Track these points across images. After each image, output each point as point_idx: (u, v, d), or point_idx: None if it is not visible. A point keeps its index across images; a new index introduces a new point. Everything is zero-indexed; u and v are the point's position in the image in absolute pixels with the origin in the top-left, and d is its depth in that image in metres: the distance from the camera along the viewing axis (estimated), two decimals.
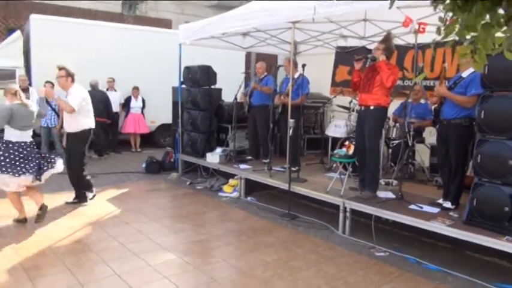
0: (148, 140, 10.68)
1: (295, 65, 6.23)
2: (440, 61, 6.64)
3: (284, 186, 5.39)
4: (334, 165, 6.25)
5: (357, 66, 4.94)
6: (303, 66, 5.72)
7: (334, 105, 7.45)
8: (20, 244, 4.18)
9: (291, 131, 5.31)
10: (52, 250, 4.06)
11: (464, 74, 4.23)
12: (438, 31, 1.62)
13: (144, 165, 7.92)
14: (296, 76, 6.20)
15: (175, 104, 8.20)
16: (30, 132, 4.72)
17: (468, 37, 1.43)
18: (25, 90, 8.47)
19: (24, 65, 9.34)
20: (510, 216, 3.50)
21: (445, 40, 1.64)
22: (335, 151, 5.12)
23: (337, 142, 6.47)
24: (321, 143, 7.44)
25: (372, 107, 4.78)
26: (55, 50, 8.84)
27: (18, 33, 9.58)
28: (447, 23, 1.54)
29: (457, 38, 1.57)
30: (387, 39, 4.91)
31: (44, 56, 8.82)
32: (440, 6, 1.41)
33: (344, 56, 8.00)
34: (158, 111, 10.35)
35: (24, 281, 3.41)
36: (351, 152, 4.85)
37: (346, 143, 4.92)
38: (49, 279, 3.47)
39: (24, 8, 12.67)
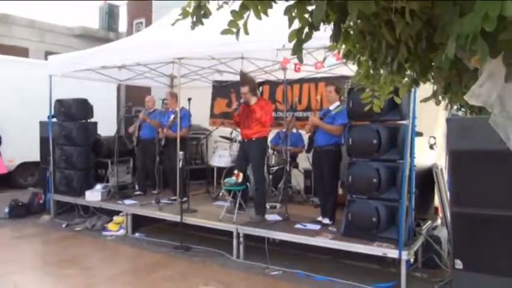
0: (6, 180, 9.41)
1: (175, 97, 6.41)
2: (306, 95, 7.58)
3: (176, 218, 5.41)
4: (221, 193, 6.51)
5: (233, 110, 5.38)
6: (189, 100, 5.92)
7: (214, 136, 7.78)
8: None
9: (180, 163, 5.42)
10: None
11: (332, 107, 4.99)
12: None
13: (6, 209, 6.98)
14: (178, 109, 6.37)
15: (44, 140, 7.50)
16: None
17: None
18: None
19: None
20: (377, 224, 4.20)
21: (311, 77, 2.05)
22: (225, 180, 5.38)
23: (221, 171, 6.77)
24: (204, 173, 7.65)
25: (254, 138, 5.24)
26: None
27: None
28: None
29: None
30: (246, 79, 5.37)
31: None
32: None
33: (221, 89, 8.48)
34: (18, 148, 9.25)
35: None
36: (240, 180, 5.17)
37: (235, 171, 5.23)
38: None
39: None
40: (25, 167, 9.68)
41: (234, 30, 1.17)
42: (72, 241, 5.75)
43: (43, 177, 7.63)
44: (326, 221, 4.97)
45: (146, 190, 6.82)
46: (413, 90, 3.75)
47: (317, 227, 4.85)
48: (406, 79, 1.54)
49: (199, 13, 1.19)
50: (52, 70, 6.87)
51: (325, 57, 3.32)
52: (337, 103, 4.98)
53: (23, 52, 13.62)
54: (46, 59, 7.63)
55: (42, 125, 7.61)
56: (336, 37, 1.21)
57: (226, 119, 8.09)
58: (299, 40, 1.14)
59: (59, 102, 7.06)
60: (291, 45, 1.20)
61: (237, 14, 1.12)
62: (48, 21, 15.30)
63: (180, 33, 5.45)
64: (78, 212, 6.80)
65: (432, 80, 1.53)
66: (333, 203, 5.02)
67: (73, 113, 6.93)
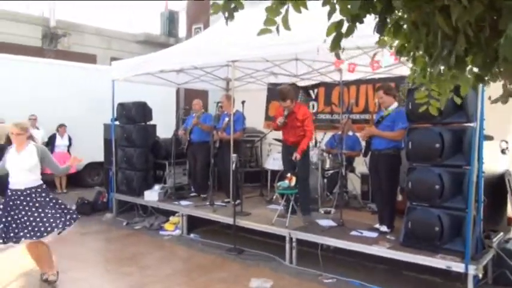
0: (75, 179, 10.06)
1: (230, 100, 6.45)
2: (364, 96, 7.31)
3: (229, 220, 5.43)
4: (275, 197, 6.45)
5: (280, 124, 5.44)
6: (242, 102, 5.93)
7: (268, 139, 7.74)
8: None
9: (233, 165, 5.43)
10: None
11: (383, 112, 4.73)
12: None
13: (74, 206, 7.42)
14: (232, 112, 6.42)
15: (107, 142, 7.92)
16: None
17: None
18: None
19: None
20: (440, 235, 3.90)
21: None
22: (278, 184, 5.31)
23: (275, 174, 6.71)
24: (258, 176, 7.64)
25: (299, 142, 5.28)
26: None
27: None
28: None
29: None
30: (285, 94, 5.36)
31: None
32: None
33: (276, 92, 8.42)
34: (86, 149, 9.83)
35: None
36: (293, 183, 5.08)
37: (288, 175, 5.14)
38: None
39: None
40: (92, 167, 10.28)
41: (273, 28, 1.09)
42: (132, 239, 5.98)
43: (107, 177, 8.03)
44: (384, 228, 4.72)
45: (201, 192, 6.92)
46: (480, 88, 3.44)
47: (374, 234, 4.63)
48: (468, 75, 1.34)
49: (230, 7, 1.11)
50: (115, 75, 7.22)
51: (375, 53, 3.10)
52: (394, 105, 4.72)
53: (91, 59, 14.53)
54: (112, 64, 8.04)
55: (106, 127, 8.03)
56: (379, 28, 1.08)
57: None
58: (338, 34, 1.02)
59: (121, 105, 7.40)
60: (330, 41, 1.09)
61: (272, 10, 1.03)
62: (115, 28, 16.21)
63: (235, 36, 5.50)
64: (137, 211, 7.07)
65: (500, 76, 1.33)
66: (390, 210, 4.76)
67: (133, 116, 7.24)
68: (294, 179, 5.08)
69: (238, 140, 6.23)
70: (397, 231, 4.49)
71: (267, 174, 7.13)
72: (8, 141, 7.83)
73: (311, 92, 8.27)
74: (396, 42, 1.32)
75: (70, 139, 9.69)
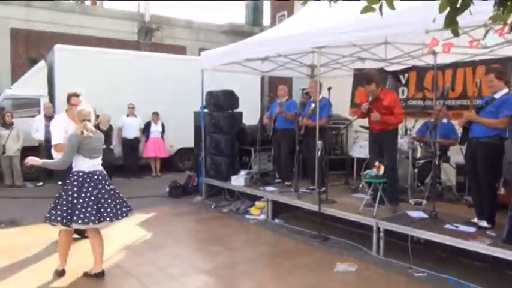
0: (168, 164, 10.80)
1: (319, 87, 6.37)
2: (461, 81, 6.75)
3: (314, 207, 5.43)
4: (361, 185, 6.29)
5: (365, 110, 5.35)
6: (329, 89, 5.84)
7: (355, 126, 7.54)
8: (68, 266, 4.17)
9: (319, 152, 5.40)
10: (92, 276, 4.09)
11: (497, 96, 4.30)
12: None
13: (167, 189, 8.01)
14: (319, 99, 6.33)
15: (197, 128, 8.35)
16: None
17: None
18: (50, 117, 8.71)
19: (48, 93, 9.59)
20: None
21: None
22: (365, 172, 5.17)
23: (361, 163, 6.53)
24: (343, 164, 7.49)
25: (387, 130, 5.20)
26: (77, 78, 9.07)
27: (42, 63, 9.88)
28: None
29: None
30: (371, 77, 5.24)
31: (67, 84, 9.05)
32: None
33: (362, 78, 8.14)
34: (177, 135, 10.52)
35: None
36: (381, 172, 4.90)
37: (376, 163, 4.97)
38: None
39: (44, 39, 13.08)
40: (183, 153, 10.97)
41: (376, 6, 1.04)
42: (220, 222, 6.27)
43: (196, 162, 8.49)
44: (483, 223, 4.35)
45: (285, 178, 6.99)
46: None
47: (471, 229, 4.29)
48: None
49: None
50: (204, 65, 7.54)
51: (487, 30, 2.81)
52: (505, 90, 4.27)
53: (181, 50, 15.34)
54: (200, 55, 8.41)
55: (196, 114, 8.48)
56: (502, 2, 0.97)
57: None
58: (453, 9, 0.94)
59: (210, 94, 7.74)
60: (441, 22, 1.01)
61: None
62: (203, 20, 16.89)
63: (320, 22, 5.41)
64: (224, 195, 7.39)
65: None
66: (491, 203, 4.35)
67: (221, 104, 7.53)
68: (382, 167, 4.90)
69: (324, 127, 6.18)
70: (499, 227, 4.12)
71: (352, 162, 6.97)
72: (109, 129, 8.63)
73: (401, 77, 7.85)
74: None
75: (163, 126, 10.40)
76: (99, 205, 3.85)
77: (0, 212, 6.54)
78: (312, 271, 4.26)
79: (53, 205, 3.86)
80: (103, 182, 3.97)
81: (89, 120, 3.98)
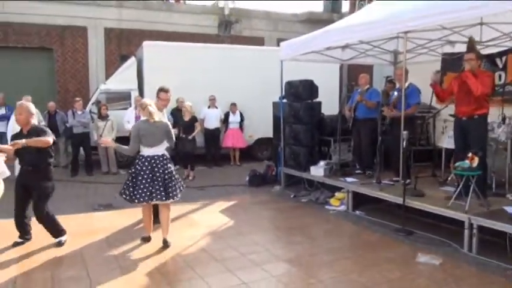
0: (247, 153, 11.06)
1: (406, 74, 6.07)
2: None
3: (398, 200, 5.21)
4: (450, 178, 5.90)
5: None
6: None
7: (443, 114, 7.06)
8: (153, 251, 4.55)
9: (404, 143, 5.15)
10: (181, 258, 4.37)
11: None
12: None
13: (247, 178, 8.21)
14: (406, 86, 6.03)
15: (276, 119, 8.43)
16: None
17: None
18: None
19: (138, 87, 10.30)
20: None
21: None
22: (456, 164, 4.83)
23: (450, 154, 6.12)
24: (429, 155, 7.08)
25: (475, 116, 4.88)
26: (164, 72, 9.63)
27: (132, 59, 10.63)
28: None
29: None
30: (474, 47, 4.98)
31: (154, 78, 9.67)
32: None
33: (452, 62, 7.57)
34: (256, 125, 10.72)
35: (164, 285, 3.72)
36: (475, 164, 4.54)
37: (469, 154, 4.62)
38: (186, 285, 3.75)
39: (134, 36, 14.04)
40: (261, 142, 11.16)
41: None
42: (299, 211, 6.30)
43: (275, 152, 8.58)
44: None
45: (366, 169, 6.79)
46: None
47: None
48: None
49: None
50: (283, 55, 7.55)
51: None
52: None
53: (259, 41, 15.52)
54: (278, 45, 8.44)
55: (275, 105, 8.56)
56: None
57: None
58: None
59: (289, 84, 7.74)
60: None
61: None
62: (280, 11, 16.90)
63: (405, 5, 5.12)
64: (303, 185, 7.39)
65: None
66: None
67: (300, 94, 7.50)
68: (476, 159, 4.55)
69: (411, 116, 5.90)
70: None
71: (440, 154, 6.55)
72: (191, 119, 9.01)
73: (497, 60, 7.17)
74: None
75: (242, 116, 10.65)
76: (151, 186, 4.49)
77: (98, 197, 7.24)
78: (396, 265, 4.11)
79: (124, 185, 4.62)
80: (159, 166, 4.57)
81: (150, 112, 4.56)
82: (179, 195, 4.71)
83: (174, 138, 4.85)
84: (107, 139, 4.89)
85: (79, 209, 6.32)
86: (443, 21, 4.96)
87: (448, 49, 7.42)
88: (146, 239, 4.81)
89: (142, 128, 4.59)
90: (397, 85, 6.41)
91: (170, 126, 4.80)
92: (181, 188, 4.77)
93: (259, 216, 6.05)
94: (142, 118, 4.72)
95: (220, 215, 6.03)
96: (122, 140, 9.49)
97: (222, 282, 3.76)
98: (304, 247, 4.69)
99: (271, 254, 4.46)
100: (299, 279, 3.84)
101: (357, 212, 5.99)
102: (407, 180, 5.50)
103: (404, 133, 5.14)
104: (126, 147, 4.74)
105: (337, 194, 6.40)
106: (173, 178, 4.65)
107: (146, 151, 4.62)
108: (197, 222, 5.67)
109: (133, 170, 4.64)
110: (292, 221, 5.78)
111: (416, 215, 5.28)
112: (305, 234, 5.15)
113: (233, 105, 10.54)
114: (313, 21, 15.99)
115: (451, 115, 6.40)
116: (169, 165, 4.68)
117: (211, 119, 10.30)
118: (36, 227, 4.75)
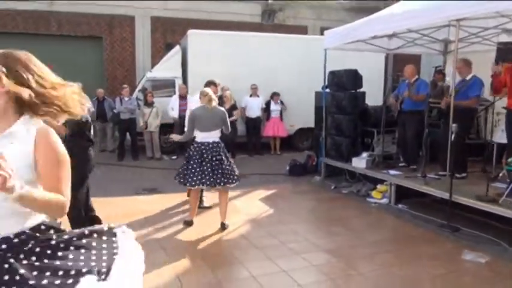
0: (287, 143, 11.05)
1: (469, 65, 5.83)
2: None
3: (444, 195, 5.04)
4: (501, 174, 5.62)
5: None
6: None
7: (496, 107, 6.70)
8: (195, 235, 4.68)
9: (453, 136, 4.96)
10: (222, 243, 4.49)
11: None
12: None
13: (287, 167, 8.22)
14: (469, 77, 5.81)
15: (318, 109, 8.34)
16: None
17: None
18: (184, 97, 9.57)
19: (182, 75, 10.52)
20: None
21: None
22: (510, 159, 4.60)
23: (502, 149, 5.82)
24: (479, 150, 6.77)
25: None
26: (207, 61, 9.77)
27: (177, 47, 10.85)
28: None
29: None
30: None
31: (198, 66, 9.84)
32: None
33: (508, 52, 7.14)
34: (297, 115, 10.67)
35: (205, 269, 3.83)
36: None
37: None
38: (227, 270, 3.85)
39: (179, 25, 14.28)
40: (302, 132, 11.11)
41: None
42: (339, 202, 6.25)
43: (316, 142, 8.52)
44: None
45: (411, 162, 6.60)
46: None
47: None
48: None
49: None
50: (327, 44, 7.43)
51: None
52: None
53: (303, 30, 15.34)
54: (322, 34, 8.30)
55: (317, 94, 8.47)
56: None
57: None
58: None
59: (332, 73, 7.62)
60: None
61: None
62: None
63: None
64: (345, 177, 7.30)
65: None
66: None
67: (344, 84, 7.37)
68: None
69: (470, 108, 5.68)
70: None
71: (492, 148, 6.25)
72: (231, 107, 9.11)
73: None
74: None
75: (283, 104, 10.62)
76: (201, 171, 4.68)
77: (143, 181, 7.51)
78: (440, 261, 4.00)
79: (180, 169, 4.88)
80: (208, 152, 4.74)
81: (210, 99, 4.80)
82: (232, 183, 4.82)
83: (229, 125, 4.98)
84: (177, 136, 5.34)
85: (125, 192, 6.60)
86: (502, 8, 4.69)
87: (504, 38, 7.00)
88: (189, 223, 4.95)
89: (199, 113, 4.83)
90: (447, 77, 6.13)
91: (226, 114, 4.96)
92: (233, 175, 4.83)
93: (299, 206, 6.05)
94: (198, 105, 4.94)
95: (260, 203, 6.09)
96: (166, 126, 9.87)
97: (262, 269, 3.82)
98: (344, 238, 4.66)
99: (311, 243, 4.47)
100: (339, 270, 3.83)
101: (400, 206, 5.86)
102: (463, 174, 5.28)
103: (454, 126, 4.94)
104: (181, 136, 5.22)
105: (379, 187, 6.27)
106: (223, 165, 4.76)
107: (199, 136, 4.83)
108: (238, 210, 5.76)
109: (186, 154, 4.93)
110: (332, 212, 5.75)
111: (463, 211, 5.09)
112: (345, 226, 5.10)
113: (275, 94, 10.53)
114: (358, 9, 15.56)
115: (504, 108, 6.09)
116: (220, 152, 4.80)
117: (253, 108, 10.35)
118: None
